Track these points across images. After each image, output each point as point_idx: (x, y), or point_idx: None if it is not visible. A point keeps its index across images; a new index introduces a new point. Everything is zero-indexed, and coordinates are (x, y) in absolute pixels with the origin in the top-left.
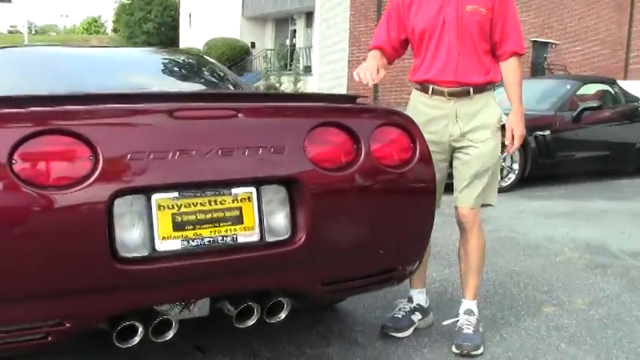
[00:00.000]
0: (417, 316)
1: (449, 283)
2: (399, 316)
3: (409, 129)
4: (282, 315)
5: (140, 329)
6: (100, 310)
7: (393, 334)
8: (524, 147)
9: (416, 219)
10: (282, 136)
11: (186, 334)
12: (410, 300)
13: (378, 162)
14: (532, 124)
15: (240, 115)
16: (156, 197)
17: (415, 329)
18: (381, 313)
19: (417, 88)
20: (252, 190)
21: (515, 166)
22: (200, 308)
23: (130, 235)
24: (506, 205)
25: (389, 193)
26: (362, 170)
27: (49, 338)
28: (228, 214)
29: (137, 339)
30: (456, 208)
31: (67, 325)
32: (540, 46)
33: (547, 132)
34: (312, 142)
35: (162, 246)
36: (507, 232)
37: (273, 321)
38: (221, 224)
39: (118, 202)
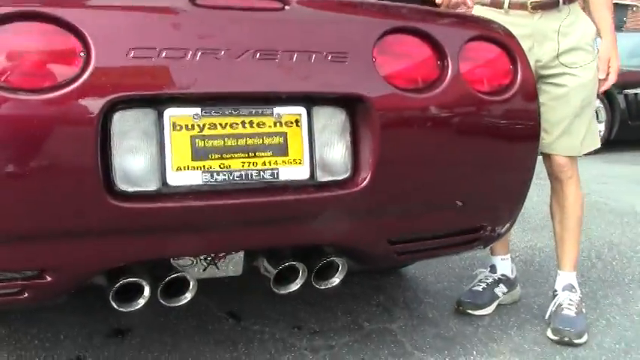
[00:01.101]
0: (501, 289)
1: (534, 250)
2: (479, 288)
3: (510, 46)
4: (335, 280)
5: (147, 289)
6: (90, 261)
7: (472, 311)
8: (611, 105)
9: (513, 167)
10: (344, 40)
11: (216, 296)
12: (492, 269)
13: (468, 86)
14: (622, 80)
15: (288, 6)
16: (170, 113)
17: (498, 305)
18: (456, 283)
19: (483, 4)
20: (302, 110)
21: (601, 127)
22: (231, 265)
23: (132, 163)
24: (589, 168)
25: (480, 129)
26: (446, 95)
27: (25, 294)
28: (267, 141)
29: (142, 301)
30: (546, 156)
31: (48, 278)
32: (619, 9)
33: (639, 90)
34: (384, 51)
35: (176, 179)
36: (597, 197)
37: (323, 287)
38: (258, 154)
39: (117, 117)
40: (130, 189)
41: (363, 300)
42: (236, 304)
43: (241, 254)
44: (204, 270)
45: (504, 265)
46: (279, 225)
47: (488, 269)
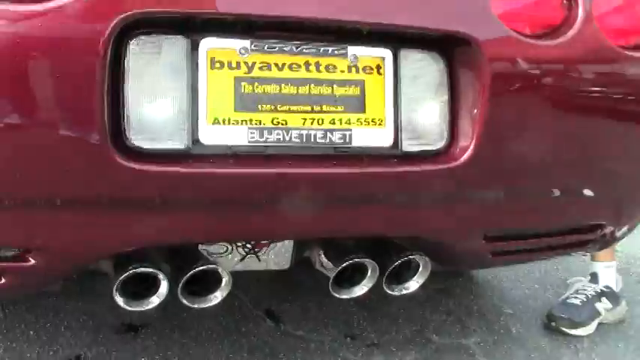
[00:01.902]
0: (603, 304)
1: (630, 258)
2: (577, 302)
3: None
4: (413, 284)
5: (164, 283)
6: (89, 241)
7: (568, 330)
8: None
9: None
10: None
11: (253, 290)
12: (593, 278)
13: (603, 36)
14: None
15: None
16: (208, 45)
17: (600, 324)
18: (539, 290)
19: None
20: (386, 53)
21: None
22: (277, 256)
23: (152, 111)
24: None
25: (614, 94)
26: (575, 45)
27: (2, 280)
28: (338, 91)
29: (156, 300)
30: None
31: (32, 261)
32: None
33: None
34: None
35: (211, 136)
36: None
37: (397, 293)
38: (324, 109)
39: (133, 45)
40: (147, 146)
41: (430, 307)
42: (276, 303)
43: (290, 242)
44: (241, 260)
45: (608, 275)
46: (347, 207)
47: (588, 278)
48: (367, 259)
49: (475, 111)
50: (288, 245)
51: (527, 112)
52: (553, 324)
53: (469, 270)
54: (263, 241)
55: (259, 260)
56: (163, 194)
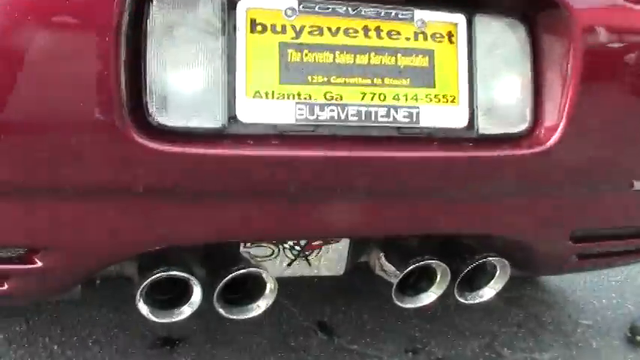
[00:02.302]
0: None
1: None
2: None
3: None
4: (488, 292)
5: (197, 290)
6: (106, 240)
7: None
8: None
9: None
10: None
11: (301, 300)
12: None
13: None
14: None
15: None
16: (247, 3)
17: None
18: (618, 300)
19: None
20: (459, 18)
21: None
22: (329, 260)
23: (180, 82)
24: None
25: None
26: None
27: (5, 286)
28: (403, 62)
29: (187, 310)
30: None
31: (39, 263)
32: None
33: None
34: None
35: (252, 112)
36: None
37: (470, 301)
38: (387, 82)
39: (156, 2)
40: (173, 123)
41: (498, 318)
42: (329, 313)
43: (346, 244)
44: (288, 265)
45: None
46: (412, 199)
47: None
48: (437, 261)
49: (563, 88)
50: (342, 247)
51: (626, 89)
52: (638, 337)
53: (547, 275)
54: (314, 242)
55: (310, 265)
56: (193, 182)
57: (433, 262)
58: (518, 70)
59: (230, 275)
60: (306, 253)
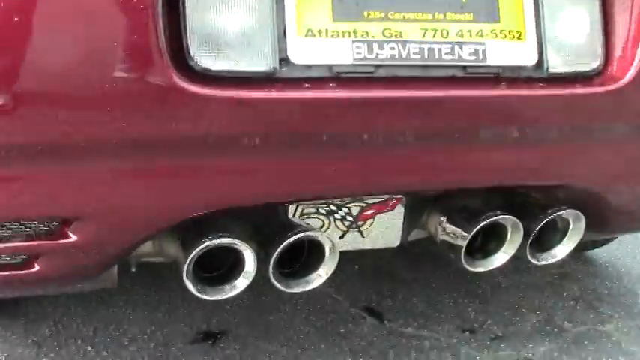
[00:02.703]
0: None
1: None
2: None
3: None
4: (560, 250)
5: (250, 259)
6: (146, 203)
7: None
8: None
9: None
10: None
11: (345, 286)
12: None
13: None
14: None
15: None
16: None
17: None
18: None
19: None
20: None
21: None
22: (384, 230)
23: (223, 21)
24: None
25: None
26: None
27: (35, 267)
28: None
29: (241, 282)
30: None
31: (73, 236)
32: None
33: None
34: None
35: (304, 52)
36: None
37: (541, 262)
38: (450, 17)
39: None
40: (218, 66)
41: (552, 293)
42: (375, 299)
43: (401, 211)
44: (341, 237)
45: None
46: (482, 145)
47: None
48: (509, 216)
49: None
50: (397, 216)
51: None
52: None
53: (618, 233)
54: (367, 211)
55: (363, 236)
56: (240, 129)
57: (505, 218)
58: (587, 3)
59: (287, 240)
60: (359, 223)
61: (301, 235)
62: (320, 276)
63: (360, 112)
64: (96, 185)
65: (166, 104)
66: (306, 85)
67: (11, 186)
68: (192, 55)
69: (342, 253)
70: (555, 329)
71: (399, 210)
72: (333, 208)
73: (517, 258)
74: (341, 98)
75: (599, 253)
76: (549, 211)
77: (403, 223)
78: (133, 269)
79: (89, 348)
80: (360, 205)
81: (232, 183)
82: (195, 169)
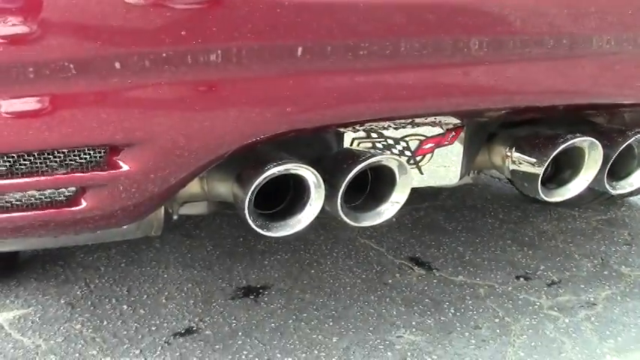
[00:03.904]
0: None
1: None
2: None
3: None
4: (638, 176)
5: (316, 184)
6: (205, 127)
7: None
8: None
9: None
10: None
11: (385, 240)
12: None
13: None
14: None
15: None
16: None
17: None
18: None
19: None
20: None
21: None
22: (443, 166)
23: None
24: None
25: None
26: None
27: (83, 204)
28: None
29: (308, 215)
30: None
31: (125, 166)
32: None
33: None
34: None
35: None
36: None
37: (619, 191)
38: None
39: None
40: None
41: (603, 239)
42: (419, 249)
43: (460, 146)
44: (402, 163)
45: None
46: (551, 53)
47: None
48: (588, 138)
49: None
50: (456, 150)
51: None
52: None
53: None
54: (425, 145)
55: (422, 173)
56: (291, 38)
57: (583, 139)
58: None
59: (358, 166)
60: (417, 158)
61: (374, 159)
62: (393, 204)
63: (417, 21)
64: (145, 104)
65: (223, 11)
66: None
67: (56, 108)
68: None
69: None
70: (613, 274)
71: (458, 144)
72: (390, 142)
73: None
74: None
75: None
76: (629, 133)
77: (462, 159)
78: (175, 217)
79: (125, 307)
80: (418, 139)
81: (291, 101)
82: (251, 86)
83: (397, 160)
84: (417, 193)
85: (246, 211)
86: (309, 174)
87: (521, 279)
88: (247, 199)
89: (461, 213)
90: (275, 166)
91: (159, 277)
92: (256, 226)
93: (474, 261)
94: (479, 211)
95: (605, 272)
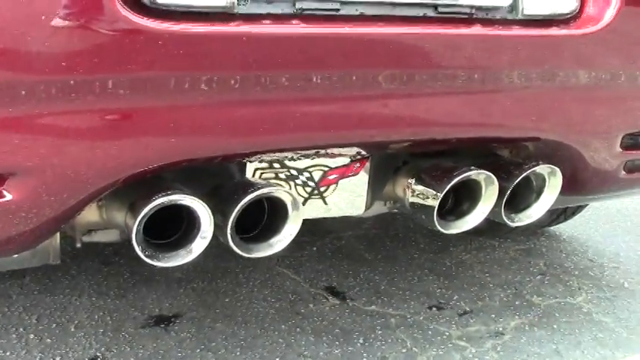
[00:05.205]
0: None
1: None
2: None
3: None
4: (536, 210)
5: (206, 215)
6: (90, 157)
7: None
8: None
9: None
10: None
11: (302, 267)
12: None
13: None
14: None
15: None
16: None
17: None
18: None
19: None
20: None
21: None
22: (347, 197)
23: None
24: None
25: None
26: None
27: None
28: None
29: (198, 246)
30: None
31: (7, 195)
32: None
33: None
34: None
35: None
36: None
37: (516, 223)
38: None
39: None
40: (170, 0)
41: (519, 269)
42: (335, 278)
43: (365, 176)
44: (303, 205)
45: None
46: (450, 91)
47: None
48: (483, 171)
49: None
50: (361, 180)
51: None
52: None
53: (592, 195)
54: (330, 176)
55: (326, 204)
56: (194, 70)
57: (479, 172)
58: None
59: (247, 197)
60: (321, 189)
61: (261, 192)
62: (284, 238)
63: (322, 52)
64: (33, 135)
65: (112, 41)
66: (266, 22)
67: None
68: None
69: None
70: (525, 303)
71: (363, 175)
72: (293, 172)
73: (479, 235)
74: (303, 36)
75: (562, 229)
76: (524, 167)
77: (368, 189)
78: (78, 245)
79: (32, 336)
80: (322, 169)
81: (184, 131)
82: (144, 116)
83: (289, 194)
84: (340, 222)
85: (134, 241)
86: (198, 205)
87: (434, 309)
88: (135, 229)
89: (382, 242)
90: (162, 196)
91: (71, 305)
92: (145, 255)
93: (389, 291)
94: (400, 240)
95: (517, 302)
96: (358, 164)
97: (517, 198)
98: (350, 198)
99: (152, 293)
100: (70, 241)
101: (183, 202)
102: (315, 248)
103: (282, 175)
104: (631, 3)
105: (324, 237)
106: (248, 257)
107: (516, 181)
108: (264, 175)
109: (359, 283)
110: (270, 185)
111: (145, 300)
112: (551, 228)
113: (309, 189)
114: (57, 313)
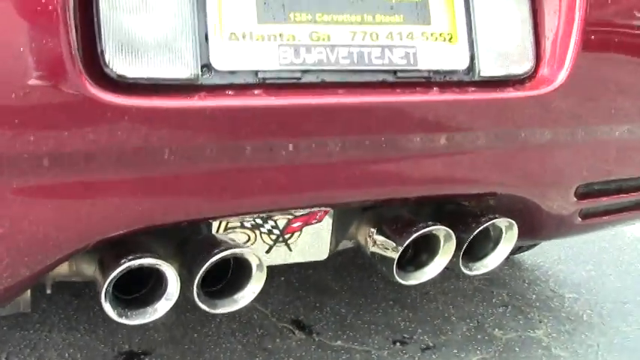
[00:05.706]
0: None
1: None
2: None
3: None
4: (493, 260)
5: (172, 280)
6: (55, 225)
7: None
8: None
9: None
10: None
11: (271, 300)
12: None
13: None
14: None
15: None
16: None
17: None
18: (601, 272)
19: None
20: None
21: None
22: (311, 243)
23: (139, 23)
24: None
25: None
26: None
27: None
28: None
29: (163, 306)
30: None
31: None
32: None
33: None
34: None
35: (228, 58)
36: None
37: (474, 272)
38: (379, 19)
39: None
40: (134, 74)
41: (481, 300)
42: (303, 312)
43: (329, 223)
44: (267, 252)
45: None
46: (409, 153)
47: None
48: (441, 227)
49: (571, 23)
50: (325, 228)
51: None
52: None
53: (548, 239)
54: (294, 224)
55: (290, 250)
56: (159, 142)
57: (437, 228)
58: (517, 4)
59: (211, 260)
60: (286, 236)
61: (226, 253)
62: (247, 295)
63: (285, 121)
64: (1, 203)
65: (78, 115)
66: (230, 92)
67: None
68: (107, 61)
69: (269, 267)
70: (486, 337)
71: (327, 222)
72: (258, 221)
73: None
74: (266, 106)
75: (525, 257)
76: (482, 220)
77: (331, 236)
78: (49, 291)
79: None
80: (286, 218)
81: (151, 200)
82: (111, 186)
83: (256, 255)
84: None
85: (103, 301)
86: (166, 268)
87: (398, 344)
88: (104, 291)
89: (349, 272)
90: (130, 260)
91: (41, 342)
92: (115, 314)
93: (354, 324)
94: (367, 270)
95: (479, 336)
96: (321, 212)
97: (474, 248)
98: (314, 244)
99: (122, 328)
100: (39, 286)
101: (152, 266)
102: (282, 278)
103: (247, 224)
104: (583, 64)
105: (291, 266)
106: (214, 313)
107: (473, 234)
108: (230, 224)
109: (325, 316)
110: (238, 246)
111: (114, 335)
112: (516, 256)
113: (274, 236)
114: (27, 351)
